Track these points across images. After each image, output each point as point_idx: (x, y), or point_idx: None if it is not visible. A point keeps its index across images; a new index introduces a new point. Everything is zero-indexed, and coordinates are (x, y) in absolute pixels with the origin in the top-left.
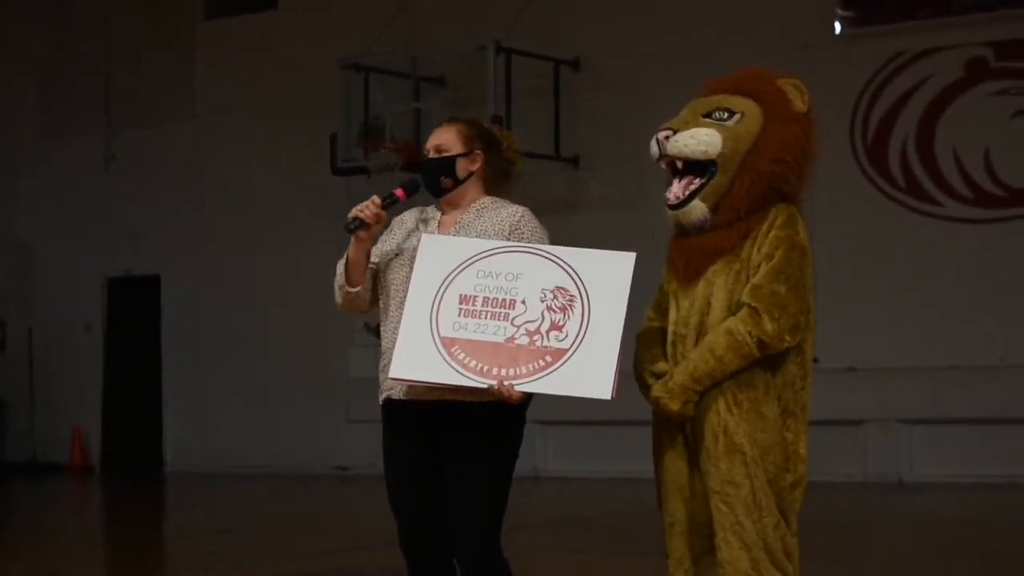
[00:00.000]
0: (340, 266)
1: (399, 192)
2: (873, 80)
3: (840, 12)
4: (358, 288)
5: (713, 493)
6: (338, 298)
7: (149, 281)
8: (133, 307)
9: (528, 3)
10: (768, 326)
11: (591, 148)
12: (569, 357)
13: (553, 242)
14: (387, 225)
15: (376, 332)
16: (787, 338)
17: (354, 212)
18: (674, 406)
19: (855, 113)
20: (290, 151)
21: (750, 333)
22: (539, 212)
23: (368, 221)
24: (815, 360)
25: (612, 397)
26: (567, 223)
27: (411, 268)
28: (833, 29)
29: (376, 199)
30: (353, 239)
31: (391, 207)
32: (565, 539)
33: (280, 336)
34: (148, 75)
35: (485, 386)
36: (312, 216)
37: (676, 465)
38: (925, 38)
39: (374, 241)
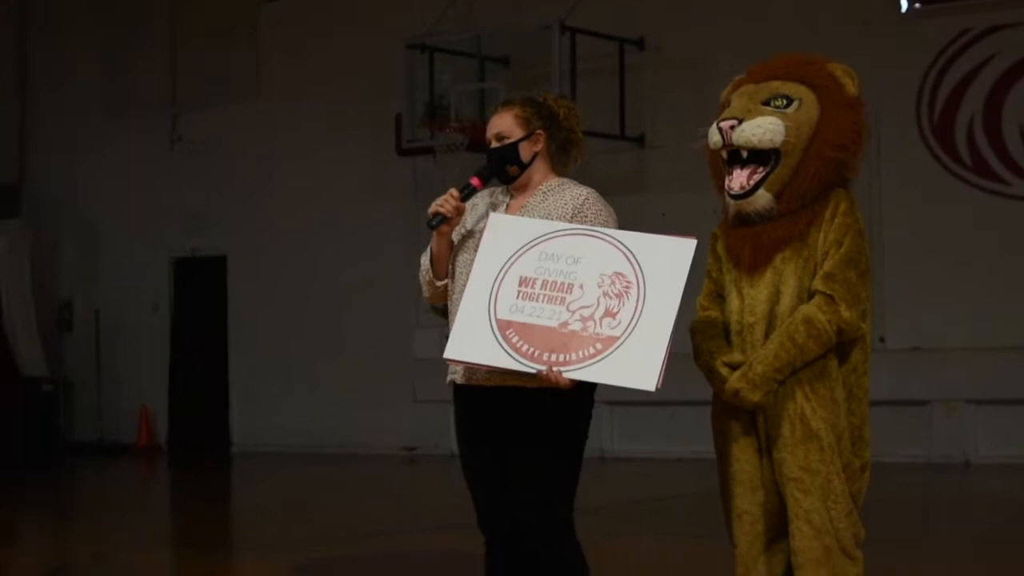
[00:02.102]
0: (425, 260)
1: (475, 181)
2: (939, 58)
3: None
4: (445, 281)
5: (788, 481)
6: (425, 292)
7: (215, 261)
8: (199, 287)
9: None
10: (845, 313)
11: (656, 127)
12: (619, 346)
13: (619, 222)
14: None
15: (443, 312)
16: (861, 325)
17: (434, 207)
18: (755, 397)
19: (921, 91)
20: (355, 131)
21: (829, 321)
22: (605, 192)
23: (449, 215)
24: (881, 340)
25: (656, 388)
26: (633, 202)
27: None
28: (898, 6)
29: (454, 191)
30: (435, 234)
31: (469, 198)
32: (633, 522)
33: (346, 317)
34: (213, 56)
35: (534, 371)
36: (377, 196)
37: (746, 455)
38: (991, 15)
39: None
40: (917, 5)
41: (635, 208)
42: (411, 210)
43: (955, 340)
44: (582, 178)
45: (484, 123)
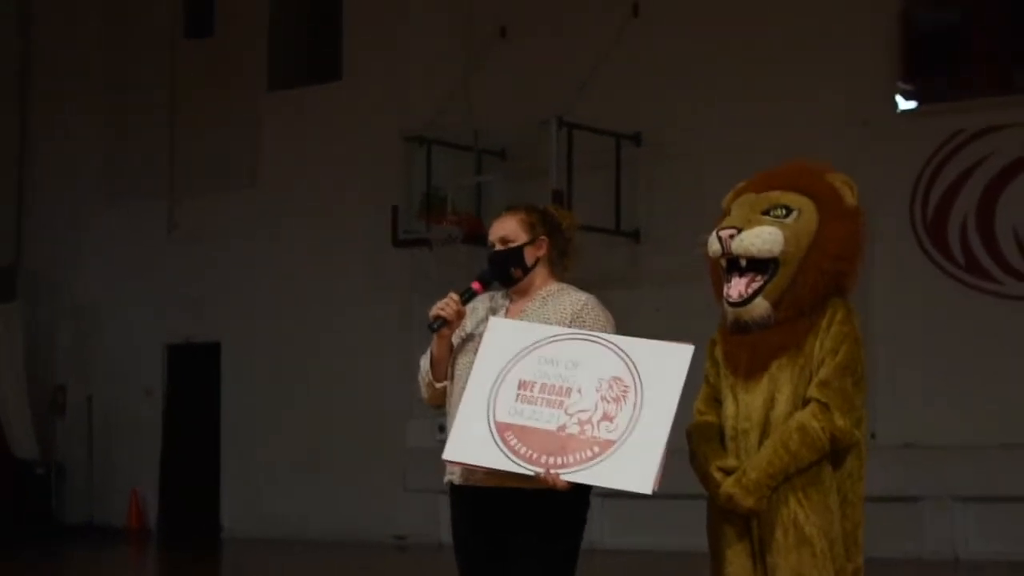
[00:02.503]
0: (424, 362)
1: (476, 285)
2: (933, 157)
3: (901, 88)
4: (445, 382)
5: None
6: (424, 393)
7: (209, 348)
8: (193, 374)
9: (589, 78)
10: (840, 421)
11: (651, 222)
12: (616, 450)
13: (614, 316)
14: None
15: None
16: (855, 432)
17: (435, 311)
18: (749, 502)
19: (915, 190)
20: (352, 222)
21: (823, 428)
22: (600, 286)
23: (450, 319)
24: (872, 436)
25: (653, 492)
26: (627, 297)
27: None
28: (894, 106)
29: (454, 295)
30: (436, 336)
31: (469, 301)
32: None
33: (338, 404)
34: (212, 144)
35: (532, 473)
36: (373, 286)
37: (740, 558)
38: (986, 116)
39: None
40: (913, 105)
41: (630, 303)
42: (406, 301)
43: (946, 437)
44: (577, 272)
45: (480, 216)
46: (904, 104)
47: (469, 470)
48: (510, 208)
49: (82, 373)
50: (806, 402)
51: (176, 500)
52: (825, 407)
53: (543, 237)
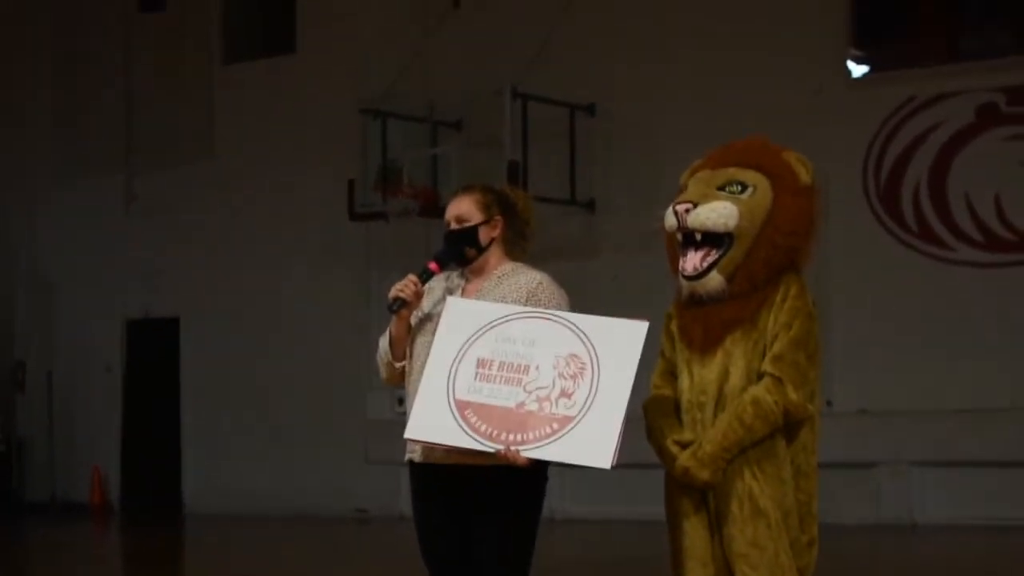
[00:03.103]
0: (383, 342)
1: (433, 266)
2: (885, 125)
3: (853, 56)
4: (404, 363)
5: (737, 557)
6: (383, 373)
7: (168, 323)
8: (152, 348)
9: (543, 49)
10: (793, 395)
11: (607, 192)
12: (574, 426)
13: (570, 286)
14: None
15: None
16: (808, 406)
17: (394, 292)
18: (704, 475)
19: (867, 157)
20: (308, 195)
21: (776, 402)
22: (555, 256)
23: (409, 299)
24: (828, 403)
25: (611, 467)
26: (583, 266)
27: (434, 333)
28: (846, 73)
29: (412, 277)
30: (395, 317)
31: (427, 281)
32: None
33: (298, 378)
34: (168, 118)
35: (492, 450)
36: (330, 259)
37: (697, 531)
38: (937, 83)
39: None
40: (865, 72)
41: (586, 272)
42: (364, 273)
43: (901, 403)
44: (533, 243)
45: (436, 188)
46: (857, 71)
47: (429, 448)
48: (466, 188)
49: (41, 349)
50: (760, 376)
51: (138, 475)
52: (779, 381)
53: (498, 217)
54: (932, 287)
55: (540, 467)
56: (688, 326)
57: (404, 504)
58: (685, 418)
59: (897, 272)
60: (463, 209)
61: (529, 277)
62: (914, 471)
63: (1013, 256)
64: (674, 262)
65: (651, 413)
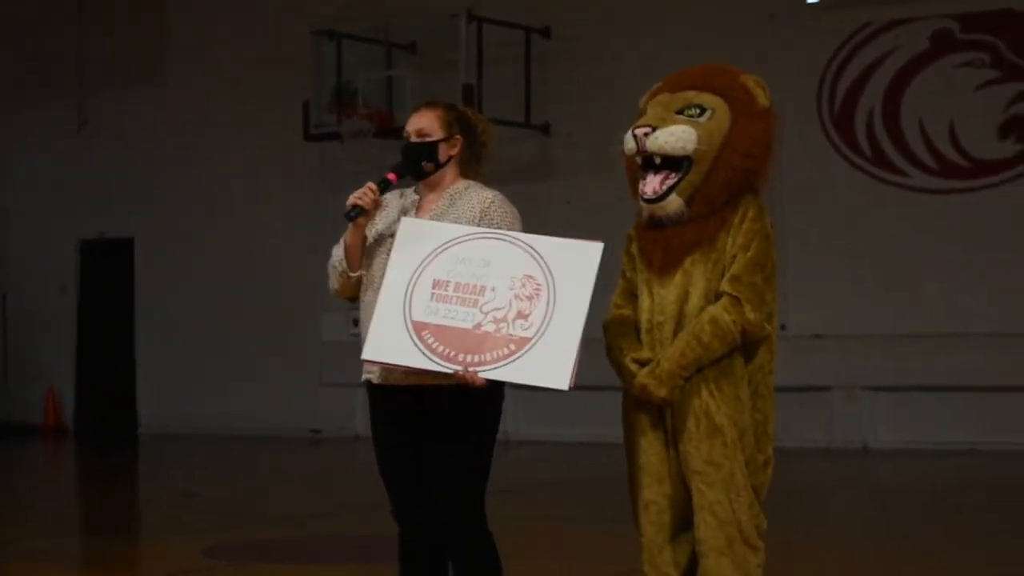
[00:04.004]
0: (338, 251)
1: (391, 176)
2: (840, 51)
3: None
4: (359, 272)
5: (693, 474)
6: (334, 283)
7: (123, 244)
8: (107, 270)
9: None
10: (750, 315)
11: (561, 115)
12: (531, 347)
13: (524, 208)
14: None
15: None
16: (766, 326)
17: (352, 199)
18: (662, 392)
19: (822, 83)
20: (262, 116)
21: (734, 322)
22: (510, 179)
23: (367, 207)
24: (783, 327)
25: (569, 388)
26: (538, 190)
27: (390, 253)
28: (800, 0)
29: (371, 185)
30: (351, 225)
31: (385, 191)
32: (539, 505)
33: (252, 299)
34: (120, 39)
35: (450, 371)
36: (285, 181)
37: (654, 448)
38: (891, 9)
39: None
40: None
41: (540, 195)
42: (319, 195)
43: (855, 328)
44: (488, 168)
45: (391, 110)
46: None
47: (387, 369)
48: (429, 103)
49: None
50: (718, 296)
51: (93, 397)
52: (736, 300)
53: (458, 136)
54: (886, 213)
55: (497, 388)
56: (648, 248)
57: (359, 425)
58: (645, 338)
59: (851, 198)
60: (424, 123)
61: (482, 196)
62: (867, 395)
63: (967, 183)
64: (634, 185)
65: (611, 332)
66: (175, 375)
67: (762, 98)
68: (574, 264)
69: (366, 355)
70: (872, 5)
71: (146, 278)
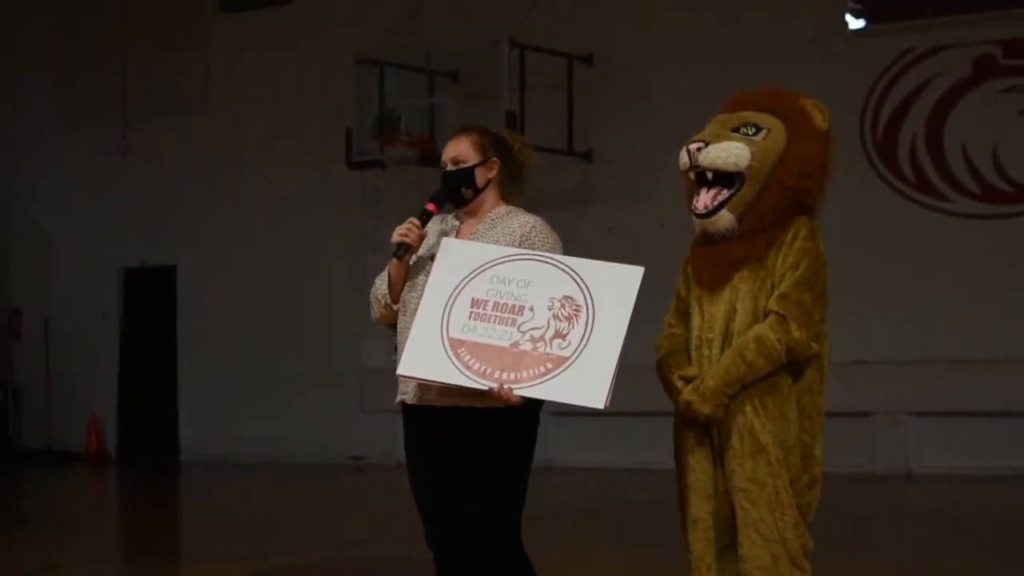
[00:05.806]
0: (381, 283)
1: (431, 207)
2: (883, 77)
3: (851, 7)
4: (399, 305)
5: (737, 491)
6: (376, 312)
7: (165, 271)
8: (149, 297)
9: None
10: (796, 333)
11: (603, 142)
12: (569, 365)
13: (566, 235)
14: None
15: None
16: (812, 345)
17: (398, 237)
18: (706, 409)
19: (865, 109)
20: (305, 144)
21: (779, 340)
22: (552, 206)
23: (413, 243)
24: None
25: (605, 407)
26: (579, 217)
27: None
28: (844, 25)
29: (414, 220)
30: (396, 260)
31: (427, 223)
32: (581, 531)
33: (294, 326)
34: (163, 67)
35: (486, 388)
36: (327, 208)
37: (701, 465)
38: (934, 35)
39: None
40: (863, 24)
41: (581, 223)
42: (360, 222)
43: (897, 353)
44: (529, 192)
45: (433, 137)
46: (854, 23)
47: (422, 389)
48: (463, 129)
49: (38, 297)
50: (766, 314)
51: (134, 423)
52: (783, 319)
53: (494, 159)
54: (928, 238)
55: (532, 412)
56: (699, 264)
57: (400, 452)
58: (695, 355)
59: (894, 223)
60: (459, 150)
61: (523, 220)
62: (909, 420)
63: (1010, 207)
64: (690, 202)
65: (662, 350)
66: (217, 402)
67: (820, 121)
68: (614, 287)
69: (401, 370)
70: (914, 31)
71: (188, 305)
